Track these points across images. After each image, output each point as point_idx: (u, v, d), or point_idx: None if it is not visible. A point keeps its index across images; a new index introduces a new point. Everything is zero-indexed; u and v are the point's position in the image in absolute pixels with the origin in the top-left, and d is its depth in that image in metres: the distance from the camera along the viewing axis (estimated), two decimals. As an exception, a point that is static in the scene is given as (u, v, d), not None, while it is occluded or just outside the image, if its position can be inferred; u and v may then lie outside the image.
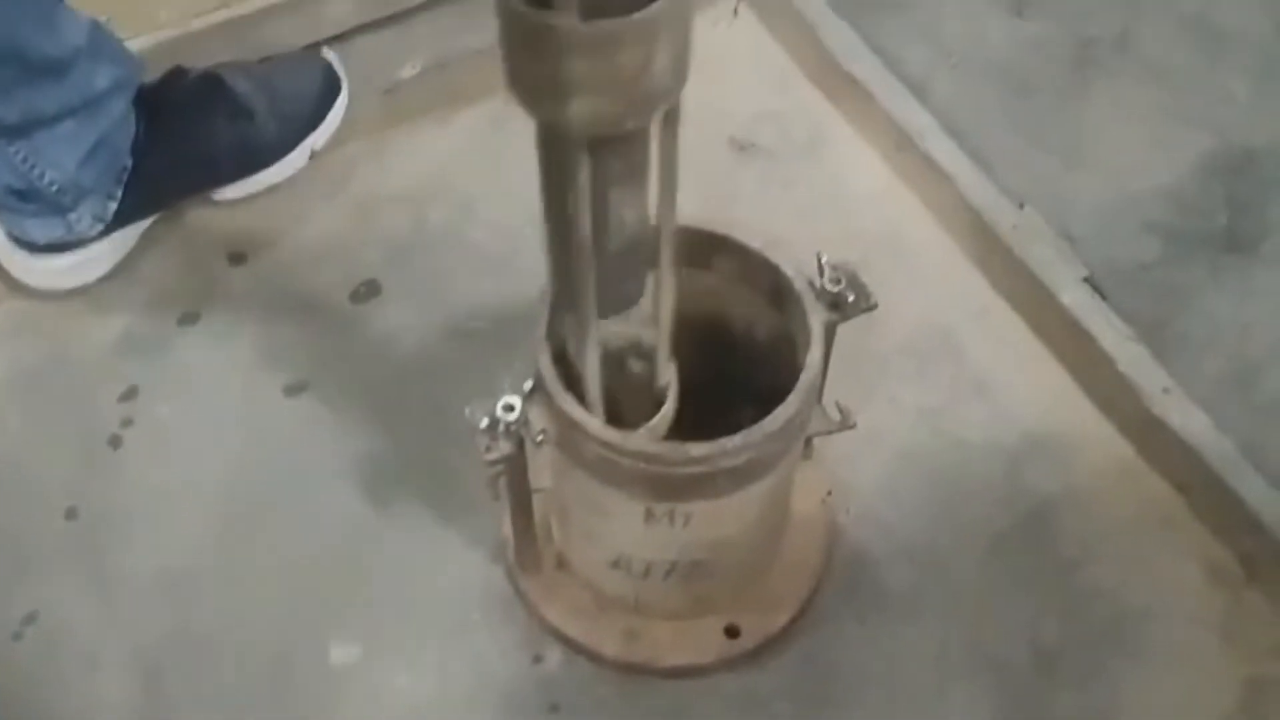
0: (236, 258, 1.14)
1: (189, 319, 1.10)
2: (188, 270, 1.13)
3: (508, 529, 0.95)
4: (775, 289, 0.86)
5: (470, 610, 0.96)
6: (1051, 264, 1.09)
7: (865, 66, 1.21)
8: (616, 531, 0.87)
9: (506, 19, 0.57)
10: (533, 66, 0.58)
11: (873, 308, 0.86)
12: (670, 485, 0.80)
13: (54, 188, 0.97)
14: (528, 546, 0.95)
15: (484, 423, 0.80)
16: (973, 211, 1.13)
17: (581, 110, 0.59)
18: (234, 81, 1.10)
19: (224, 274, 1.13)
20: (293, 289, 1.12)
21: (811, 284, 0.85)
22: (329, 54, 1.15)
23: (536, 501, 0.91)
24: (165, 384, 1.07)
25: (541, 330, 0.80)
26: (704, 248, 0.87)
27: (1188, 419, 1.00)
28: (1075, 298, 1.07)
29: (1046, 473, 1.02)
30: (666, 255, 0.74)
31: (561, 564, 0.96)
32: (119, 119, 1.00)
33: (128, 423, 1.05)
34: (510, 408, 0.80)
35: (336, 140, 1.16)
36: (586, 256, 0.68)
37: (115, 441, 1.04)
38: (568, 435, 0.80)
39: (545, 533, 0.96)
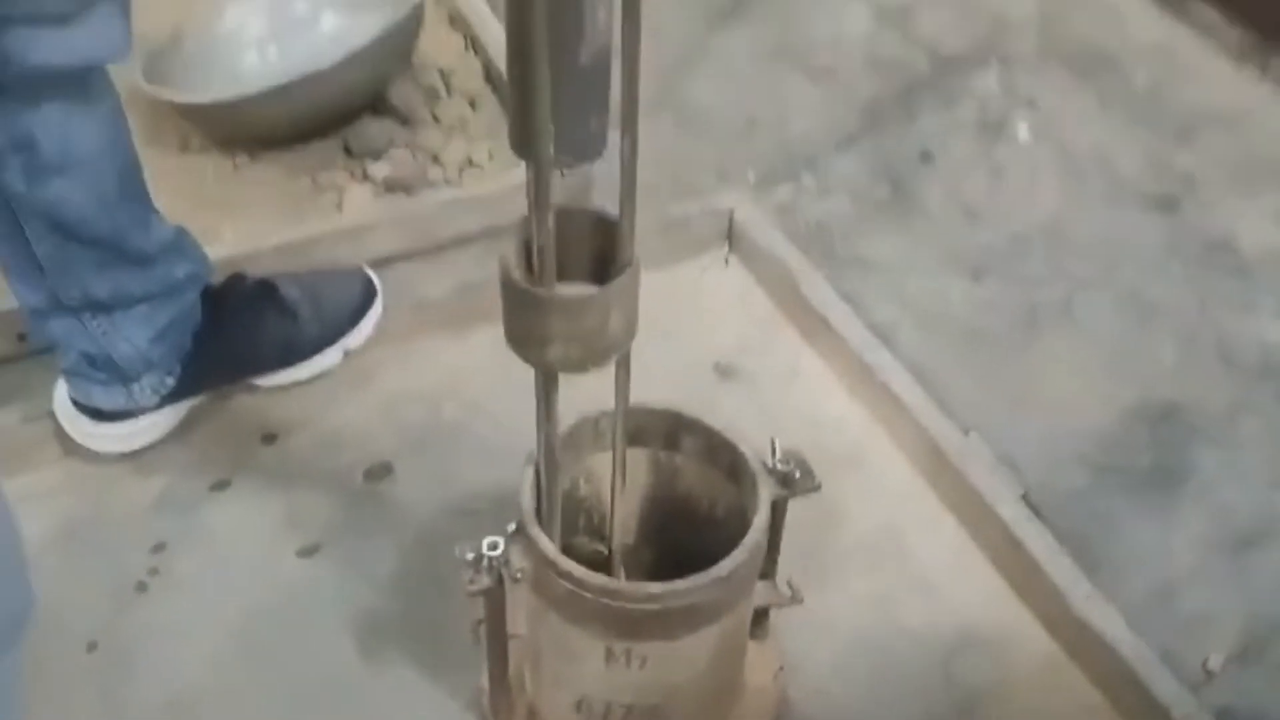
0: (269, 437, 1.28)
1: (220, 485, 1.24)
2: (225, 444, 1.27)
3: (485, 679, 1.05)
4: (733, 467, 0.99)
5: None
6: (991, 483, 1.22)
7: (836, 312, 1.38)
8: (580, 673, 0.97)
9: (506, 288, 0.77)
10: (523, 322, 0.78)
11: (817, 488, 0.99)
12: (628, 623, 0.91)
13: (124, 359, 1.12)
14: (502, 695, 1.04)
15: (469, 556, 0.92)
16: (925, 436, 1.27)
17: (556, 355, 0.78)
18: (285, 288, 1.27)
19: (256, 450, 1.27)
20: (315, 466, 1.26)
21: (764, 463, 0.98)
22: (369, 270, 1.33)
23: (512, 649, 1.02)
24: (192, 540, 1.20)
25: (528, 476, 0.94)
26: (674, 429, 1.01)
27: (1109, 623, 1.11)
28: (1011, 512, 1.19)
29: (979, 665, 1.12)
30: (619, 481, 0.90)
31: (532, 714, 1.06)
32: (188, 308, 1.17)
33: (154, 572, 1.17)
34: (494, 545, 0.92)
35: (368, 343, 1.33)
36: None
37: (141, 587, 1.16)
38: (541, 572, 0.92)
39: (519, 684, 1.06)
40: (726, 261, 1.49)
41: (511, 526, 0.93)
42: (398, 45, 1.57)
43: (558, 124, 0.70)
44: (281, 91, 1.46)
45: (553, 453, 0.88)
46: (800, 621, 1.13)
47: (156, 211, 1.13)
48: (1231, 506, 1.27)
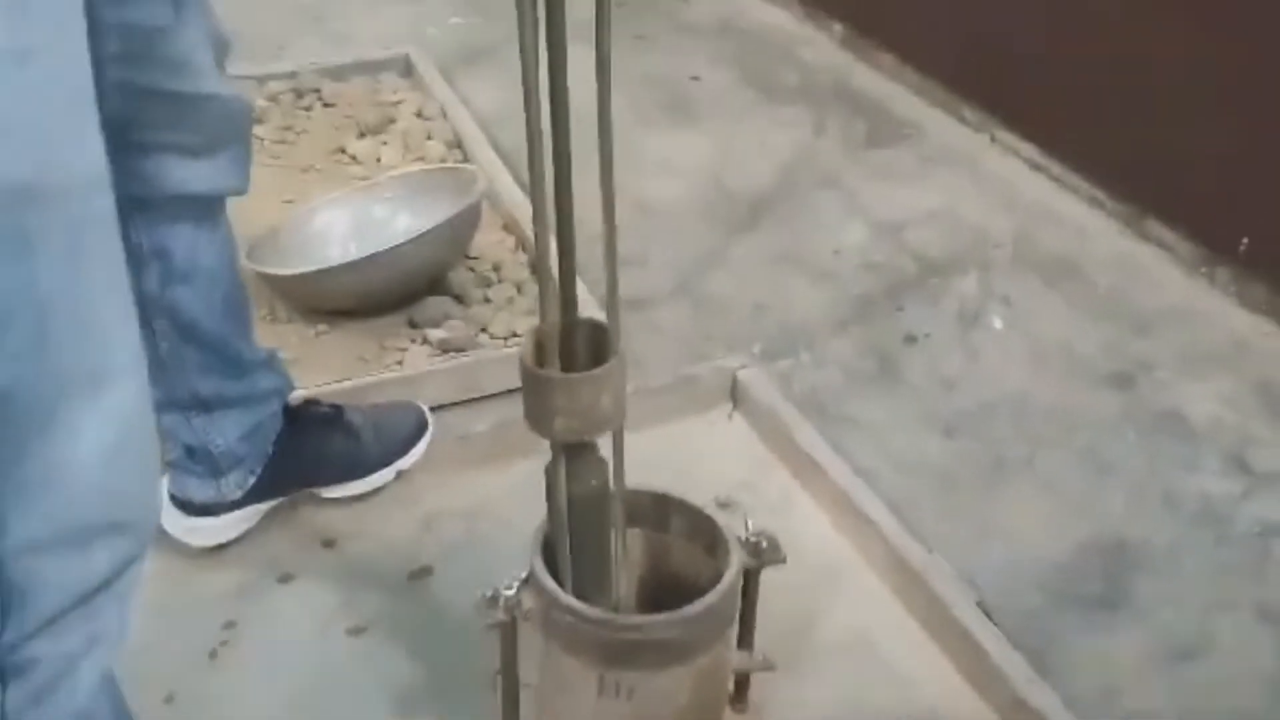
0: (328, 541, 1.50)
1: (286, 578, 1.45)
2: (291, 545, 1.48)
3: (500, 725, 1.23)
4: (712, 541, 1.19)
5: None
6: (950, 591, 1.39)
7: (823, 455, 1.59)
8: (576, 705, 1.14)
9: (522, 372, 1.02)
10: (535, 401, 1.01)
11: (782, 561, 1.19)
12: (616, 651, 1.09)
13: (218, 452, 1.36)
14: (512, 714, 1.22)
15: (488, 594, 1.12)
16: (894, 554, 1.45)
17: (560, 427, 1.02)
18: (350, 414, 1.51)
19: (317, 551, 1.48)
20: (366, 567, 1.46)
21: (739, 537, 1.18)
22: (423, 405, 1.57)
23: (524, 698, 1.20)
24: (259, 620, 1.39)
25: (538, 534, 1.14)
26: (664, 510, 1.21)
27: (1053, 710, 1.26)
28: (967, 615, 1.36)
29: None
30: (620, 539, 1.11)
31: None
32: (272, 416, 1.41)
33: (224, 643, 1.37)
34: (510, 587, 1.12)
35: (418, 466, 1.55)
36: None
37: (213, 654, 1.35)
38: (546, 610, 1.11)
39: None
40: (730, 416, 1.72)
41: (523, 574, 1.13)
42: (456, 237, 1.86)
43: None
44: (355, 267, 1.74)
45: (561, 513, 1.09)
46: (778, 700, 1.30)
47: (254, 332, 1.39)
48: (1170, 626, 1.43)
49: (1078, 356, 1.84)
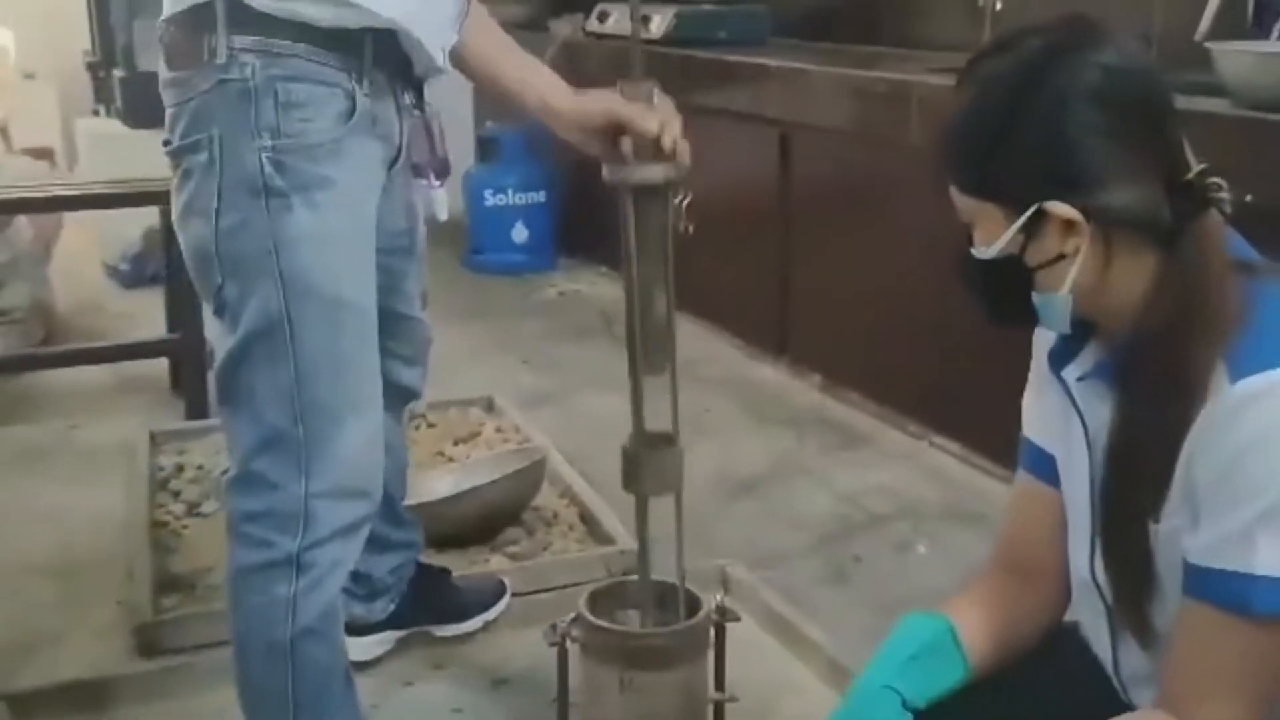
0: (438, 665, 2.15)
1: (408, 684, 2.09)
2: (411, 666, 2.13)
3: (556, 748, 1.83)
4: (697, 606, 1.85)
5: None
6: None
7: (784, 610, 2.24)
8: (604, 705, 1.76)
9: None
10: None
11: (737, 619, 1.84)
12: (632, 655, 1.73)
13: (375, 577, 2.03)
14: (566, 738, 1.82)
15: (552, 625, 1.78)
16: (834, 664, 2.07)
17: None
18: (455, 578, 2.20)
19: (430, 671, 2.13)
20: (465, 681, 2.10)
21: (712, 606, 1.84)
22: (506, 581, 2.26)
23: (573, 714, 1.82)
24: (396, 706, 2.02)
25: (583, 597, 1.81)
26: (665, 592, 1.88)
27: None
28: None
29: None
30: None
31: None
32: (410, 561, 2.10)
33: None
34: (564, 620, 1.78)
35: (499, 620, 2.22)
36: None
37: (360, 721, 1.98)
38: (586, 635, 1.76)
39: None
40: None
41: (573, 615, 1.80)
42: (525, 486, 2.60)
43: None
44: (453, 500, 2.48)
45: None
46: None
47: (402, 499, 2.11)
48: None
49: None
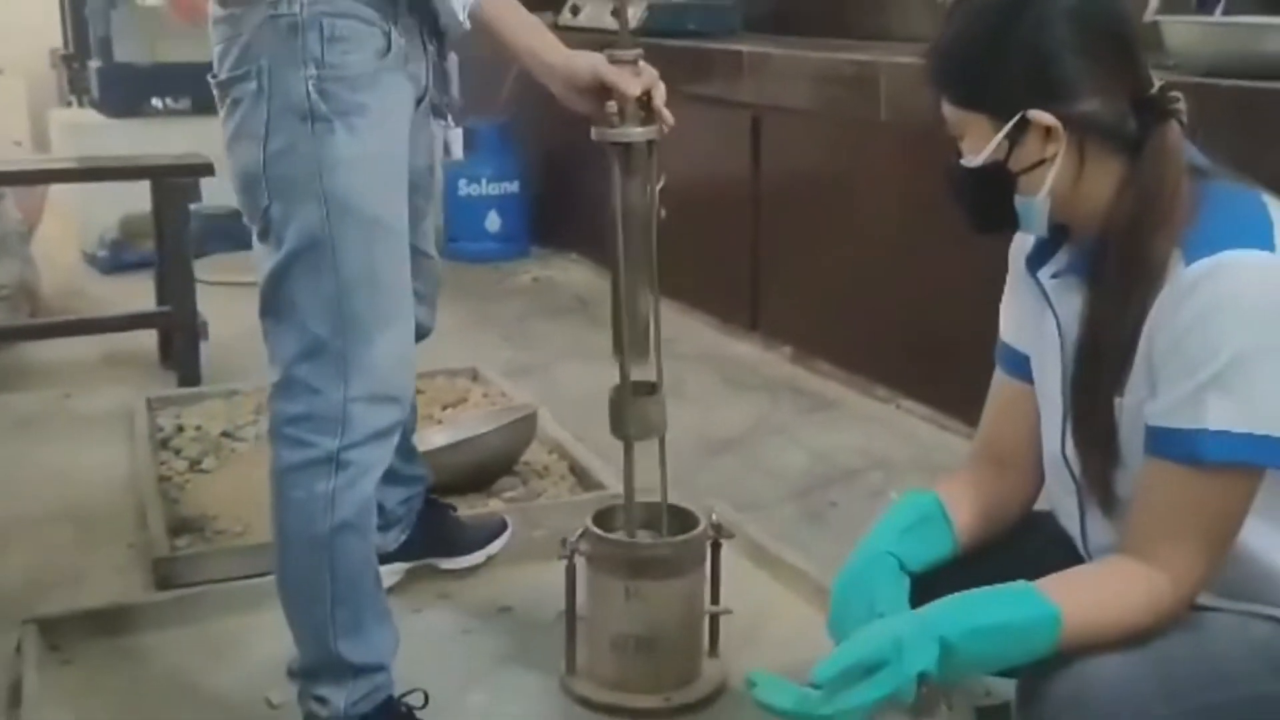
0: (444, 595, 2.27)
1: (418, 610, 2.20)
2: (419, 597, 2.25)
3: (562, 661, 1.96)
4: (693, 522, 1.98)
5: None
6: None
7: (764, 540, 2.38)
8: (609, 613, 1.89)
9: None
10: None
11: (731, 536, 1.99)
12: (635, 566, 1.87)
13: (389, 510, 2.14)
14: (571, 652, 1.95)
15: (562, 540, 1.91)
16: (818, 588, 2.21)
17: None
18: (460, 515, 2.32)
19: (436, 600, 2.25)
20: (470, 608, 2.23)
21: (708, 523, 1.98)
22: (508, 518, 2.38)
23: (580, 629, 1.95)
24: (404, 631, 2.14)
25: (591, 513, 1.94)
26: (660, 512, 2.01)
27: None
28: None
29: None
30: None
31: (584, 674, 1.95)
32: (420, 495, 2.21)
33: (381, 637, 2.11)
34: (573, 534, 1.91)
35: (499, 555, 2.34)
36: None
37: (374, 641, 2.10)
38: (592, 547, 1.89)
39: (576, 664, 1.96)
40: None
41: (580, 530, 1.93)
42: (519, 436, 2.73)
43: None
44: (450, 449, 2.61)
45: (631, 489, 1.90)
46: (739, 652, 2.03)
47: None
48: None
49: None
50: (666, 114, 1.74)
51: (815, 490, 2.80)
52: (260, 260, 1.64)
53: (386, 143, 1.62)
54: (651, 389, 1.90)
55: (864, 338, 3.50)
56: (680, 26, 4.38)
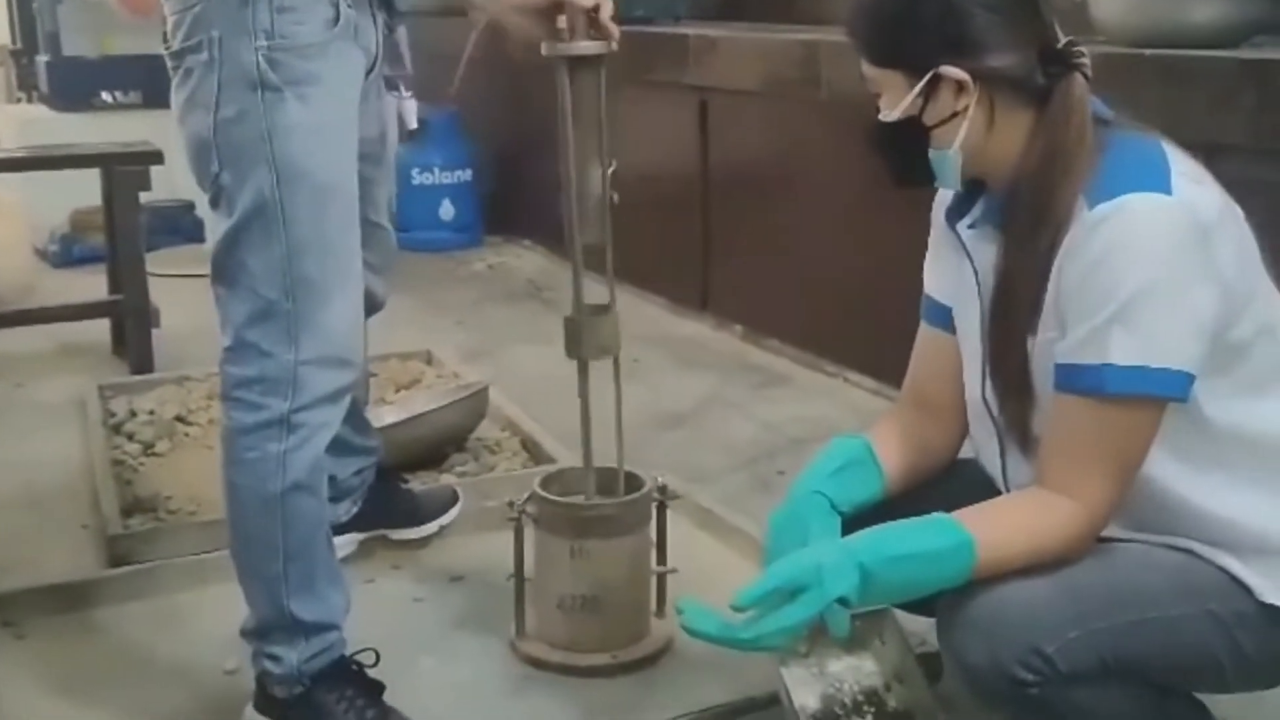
0: (396, 565, 2.30)
1: (370, 581, 2.24)
2: (372, 567, 2.28)
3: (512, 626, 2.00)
4: (640, 484, 2.02)
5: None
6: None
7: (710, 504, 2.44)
8: (556, 574, 1.94)
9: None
10: None
11: (678, 497, 2.03)
12: (580, 525, 1.91)
13: (341, 481, 2.16)
14: (520, 614, 1.99)
15: (509, 502, 1.95)
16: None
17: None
18: (412, 486, 2.36)
19: (389, 570, 2.29)
20: (422, 576, 2.26)
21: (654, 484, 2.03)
22: (459, 489, 2.42)
23: (529, 590, 1.99)
24: (357, 597, 2.18)
25: (537, 480, 1.98)
26: (614, 475, 2.06)
27: None
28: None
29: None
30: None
31: (534, 635, 1.99)
32: (371, 467, 2.24)
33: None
34: (520, 498, 1.96)
35: (451, 526, 2.38)
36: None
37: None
38: (540, 509, 1.94)
39: (526, 626, 2.00)
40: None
41: (528, 493, 1.97)
42: (474, 409, 2.77)
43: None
44: (402, 425, 2.64)
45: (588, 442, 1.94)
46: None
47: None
48: None
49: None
50: (613, 28, 1.81)
51: (763, 459, 2.86)
52: (212, 228, 1.67)
53: (336, 111, 1.65)
54: (606, 309, 1.96)
55: (812, 315, 3.56)
56: (629, 13, 4.42)
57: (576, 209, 1.86)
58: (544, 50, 1.82)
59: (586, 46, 1.80)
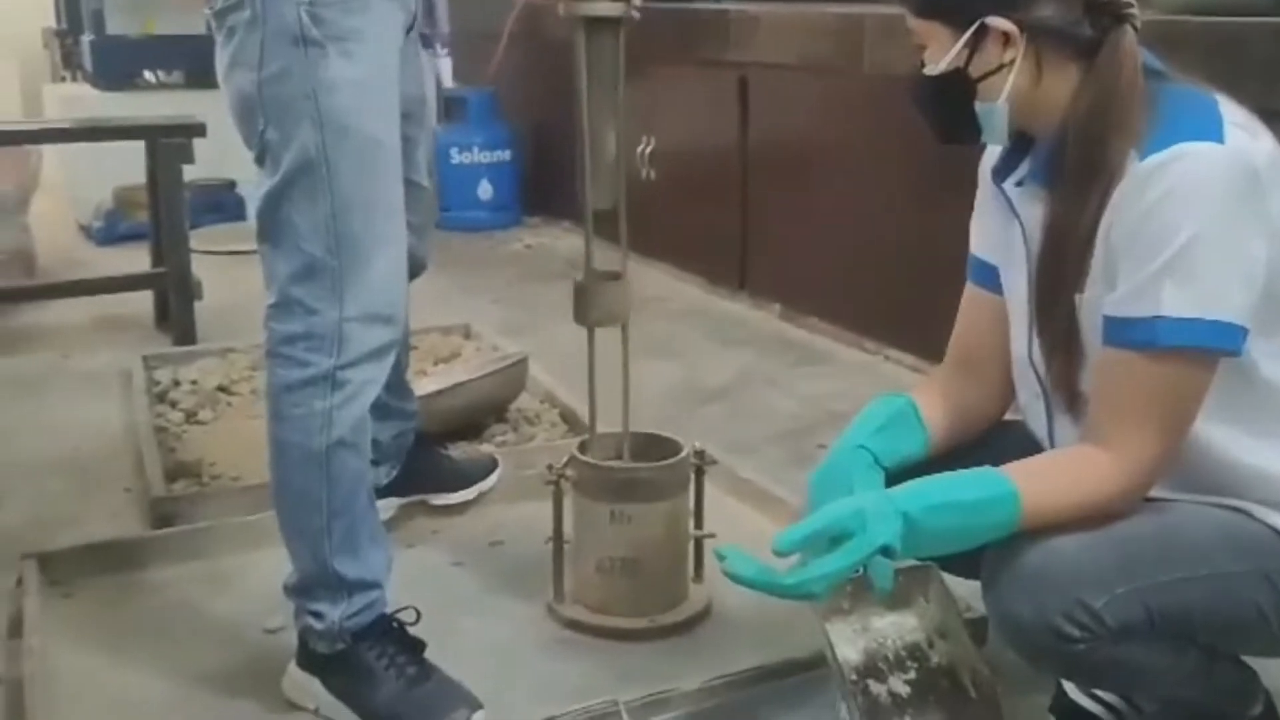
0: (435, 531, 2.31)
1: (411, 545, 2.25)
2: (413, 531, 2.30)
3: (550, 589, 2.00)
4: (677, 449, 2.02)
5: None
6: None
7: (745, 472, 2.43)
8: (595, 537, 1.94)
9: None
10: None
11: (715, 462, 2.03)
12: (620, 489, 1.91)
13: (382, 444, 2.17)
14: (558, 578, 1.99)
15: (548, 466, 1.95)
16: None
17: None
18: (452, 451, 2.37)
19: (429, 534, 2.30)
20: (462, 543, 2.27)
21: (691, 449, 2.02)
22: (499, 456, 2.43)
23: (568, 553, 1.99)
24: (398, 562, 2.19)
25: (578, 442, 1.99)
26: (653, 440, 2.05)
27: None
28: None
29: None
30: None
31: (572, 599, 2.00)
32: (411, 430, 2.25)
33: (375, 569, 2.16)
34: (560, 461, 1.96)
35: (490, 494, 2.39)
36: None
37: (368, 573, 2.15)
38: (579, 472, 1.94)
39: (569, 572, 2.00)
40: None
41: (566, 457, 1.97)
42: (509, 382, 2.78)
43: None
44: (442, 394, 2.65)
45: (594, 411, 1.95)
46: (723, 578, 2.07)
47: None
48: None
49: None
50: None
51: (803, 434, 2.85)
52: (257, 185, 1.68)
53: (379, 67, 1.66)
54: (616, 276, 1.96)
55: (852, 293, 3.54)
56: (665, -7, 4.42)
57: (590, 172, 1.86)
58: (560, 10, 1.82)
59: (604, 7, 1.80)
